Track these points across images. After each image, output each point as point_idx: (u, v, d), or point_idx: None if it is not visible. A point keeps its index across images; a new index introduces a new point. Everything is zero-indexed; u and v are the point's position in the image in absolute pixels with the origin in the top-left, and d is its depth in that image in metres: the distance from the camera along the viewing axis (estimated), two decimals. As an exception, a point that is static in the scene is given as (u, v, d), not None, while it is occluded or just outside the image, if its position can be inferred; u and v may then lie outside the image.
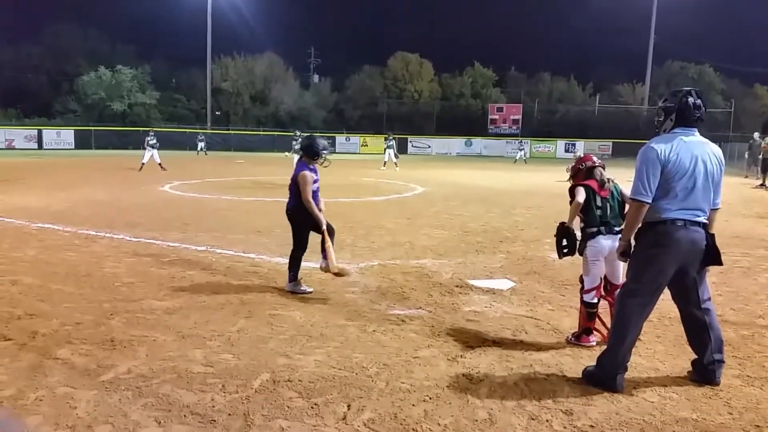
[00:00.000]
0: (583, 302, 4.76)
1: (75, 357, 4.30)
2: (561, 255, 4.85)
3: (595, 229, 4.67)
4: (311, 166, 6.16)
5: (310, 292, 6.02)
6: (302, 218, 6.14)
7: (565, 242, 4.80)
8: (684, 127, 3.84)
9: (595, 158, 4.98)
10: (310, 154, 6.19)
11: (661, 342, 4.86)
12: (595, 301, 4.73)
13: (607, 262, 4.71)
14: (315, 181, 6.10)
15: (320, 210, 6.14)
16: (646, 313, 3.93)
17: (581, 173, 4.93)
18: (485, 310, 5.67)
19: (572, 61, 74.32)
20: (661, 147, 3.77)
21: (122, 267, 7.12)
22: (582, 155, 5.21)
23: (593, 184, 4.78)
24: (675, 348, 4.68)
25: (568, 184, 5.04)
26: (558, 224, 4.92)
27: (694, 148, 3.79)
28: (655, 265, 3.79)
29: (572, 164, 5.04)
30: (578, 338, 4.76)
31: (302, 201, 6.01)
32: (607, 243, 4.63)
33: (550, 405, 3.68)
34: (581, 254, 4.73)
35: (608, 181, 4.83)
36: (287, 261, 6.28)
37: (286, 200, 6.26)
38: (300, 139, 18.23)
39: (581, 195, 4.72)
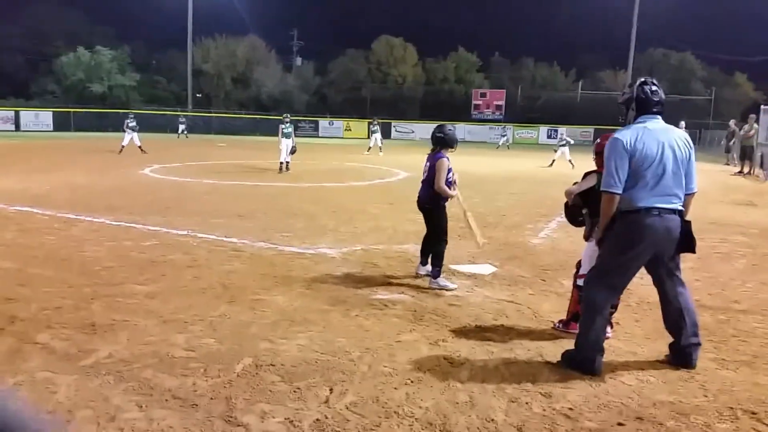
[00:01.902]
0: (576, 286, 4.74)
1: (55, 342, 4.26)
2: (576, 224, 4.81)
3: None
4: (448, 156, 6.04)
5: (454, 289, 5.86)
6: (440, 208, 6.04)
7: (578, 216, 4.72)
8: (646, 115, 3.89)
9: None
10: (450, 145, 6.07)
11: (639, 326, 4.94)
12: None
13: None
14: (450, 170, 5.98)
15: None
16: (613, 296, 4.04)
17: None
18: (467, 295, 5.71)
19: (555, 48, 74.37)
20: (626, 136, 3.82)
21: (102, 251, 7.05)
22: (610, 136, 4.75)
23: None
24: (653, 332, 4.76)
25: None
26: (564, 206, 4.87)
27: (659, 135, 3.84)
28: (626, 253, 3.85)
29: (598, 141, 4.67)
30: (567, 325, 4.75)
31: (436, 187, 5.88)
32: None
33: (529, 388, 3.73)
34: (587, 239, 4.66)
35: None
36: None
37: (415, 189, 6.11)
38: (289, 123, 18.16)
39: (588, 183, 4.55)
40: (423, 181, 6.15)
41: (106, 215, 9.47)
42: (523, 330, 4.78)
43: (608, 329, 4.69)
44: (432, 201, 6.05)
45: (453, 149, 6.15)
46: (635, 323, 5.01)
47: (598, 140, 4.65)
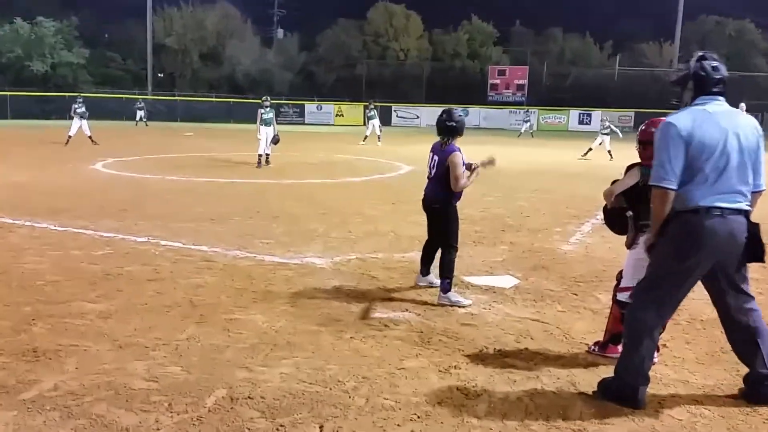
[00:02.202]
0: (616, 302, 4.72)
1: (-11, 371, 4.25)
2: (619, 231, 4.80)
3: (649, 222, 4.52)
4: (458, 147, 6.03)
5: (467, 305, 5.89)
6: (450, 209, 6.04)
7: (620, 221, 4.71)
8: (705, 96, 3.84)
9: None
10: (459, 132, 6.04)
11: (691, 349, 4.93)
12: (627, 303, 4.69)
13: None
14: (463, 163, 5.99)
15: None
16: (665, 312, 3.97)
17: (652, 147, 4.41)
18: (484, 313, 5.71)
19: (588, 16, 74.54)
20: (681, 121, 3.76)
21: (46, 262, 7.04)
22: (659, 121, 4.47)
23: None
24: (707, 357, 4.75)
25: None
26: (603, 211, 4.85)
27: (721, 120, 3.77)
28: (682, 262, 3.79)
29: (643, 127, 4.63)
30: (604, 348, 4.74)
31: (455, 188, 5.88)
32: None
33: (560, 425, 3.73)
34: (629, 247, 4.64)
35: None
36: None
37: (427, 189, 6.10)
38: (270, 108, 18.15)
39: (631, 179, 4.52)
40: (430, 178, 6.14)
41: (49, 219, 9.46)
42: (551, 354, 4.77)
43: (654, 353, 4.69)
44: (442, 200, 6.05)
45: (461, 136, 6.14)
46: (686, 345, 5.00)
47: (643, 126, 4.62)
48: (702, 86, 3.85)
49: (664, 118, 4.57)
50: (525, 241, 8.76)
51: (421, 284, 6.41)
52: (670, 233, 3.83)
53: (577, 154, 23.24)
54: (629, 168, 4.65)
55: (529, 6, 74.08)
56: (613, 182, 4.70)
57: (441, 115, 6.10)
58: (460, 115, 6.08)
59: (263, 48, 64.19)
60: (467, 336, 5.10)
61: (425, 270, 6.42)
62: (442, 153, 5.98)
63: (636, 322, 3.94)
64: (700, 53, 3.91)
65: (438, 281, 6.15)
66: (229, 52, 60.57)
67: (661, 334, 4.38)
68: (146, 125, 41.14)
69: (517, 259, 7.72)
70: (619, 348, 4.66)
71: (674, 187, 3.73)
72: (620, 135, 23.89)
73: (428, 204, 6.16)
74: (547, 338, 5.11)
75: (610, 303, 4.88)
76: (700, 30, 63.78)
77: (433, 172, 6.08)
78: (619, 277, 4.79)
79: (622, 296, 4.69)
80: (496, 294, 6.29)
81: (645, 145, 4.54)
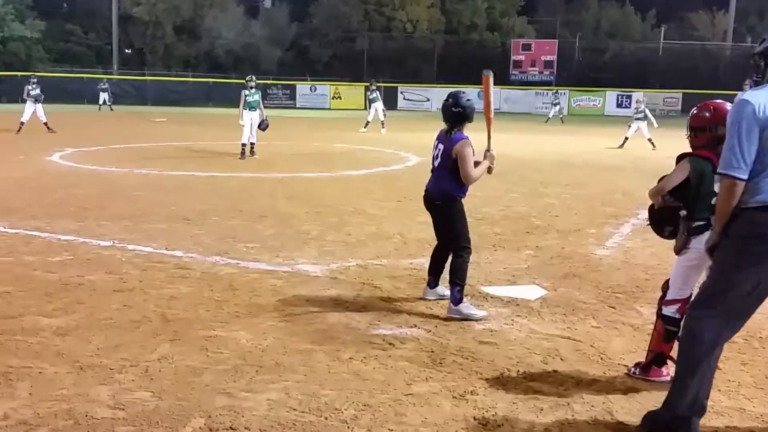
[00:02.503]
0: (661, 316, 4.72)
1: (-72, 397, 4.26)
2: (666, 235, 4.78)
3: (703, 223, 4.43)
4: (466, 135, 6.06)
5: (483, 318, 5.91)
6: (455, 204, 6.08)
7: (670, 222, 4.68)
8: None
9: None
10: (468, 118, 6.07)
11: (748, 371, 4.92)
12: (678, 317, 4.67)
13: None
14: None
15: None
16: (727, 332, 3.92)
17: (706, 136, 4.51)
18: (505, 329, 5.70)
19: (628, -20, 74.35)
20: (759, 100, 3.72)
21: (-6, 270, 7.06)
22: (713, 104, 4.56)
23: (714, 158, 4.35)
24: None
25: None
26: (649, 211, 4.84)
27: None
28: (751, 267, 3.75)
29: (695, 111, 4.62)
30: (647, 371, 4.73)
31: (463, 181, 5.93)
32: None
33: (594, 459, 3.72)
34: (678, 252, 4.61)
35: None
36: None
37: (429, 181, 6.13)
38: (255, 89, 18.16)
39: (681, 174, 4.49)
40: (433, 170, 6.18)
41: (-1, 220, 9.49)
42: (584, 378, 4.77)
43: (664, 369, 4.67)
44: (445, 196, 6.07)
45: (470, 122, 6.15)
46: (742, 367, 4.99)
47: (695, 110, 4.61)
48: None
49: (719, 101, 4.57)
50: (554, 245, 8.75)
51: (429, 297, 6.41)
52: (735, 234, 3.78)
53: (614, 142, 23.20)
54: (679, 159, 4.63)
55: (558, -31, 73.99)
56: (661, 179, 4.66)
57: (446, 100, 6.13)
58: (468, 100, 6.09)
59: (248, 19, 64.14)
60: (486, 356, 5.10)
61: (434, 281, 6.42)
62: (448, 142, 6.00)
63: (693, 341, 3.88)
64: None
65: (448, 292, 6.15)
66: (208, 24, 60.55)
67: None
68: (111, 109, 41.21)
69: (545, 266, 7.71)
70: (664, 371, 4.68)
71: (745, 176, 3.68)
72: (655, 123, 23.36)
73: (430, 200, 6.19)
74: (579, 359, 5.10)
75: (654, 318, 4.87)
76: (760, -3, 63.50)
77: (436, 163, 6.11)
78: (665, 287, 4.77)
79: (669, 310, 4.68)
80: (519, 307, 6.28)
81: (697, 132, 4.53)
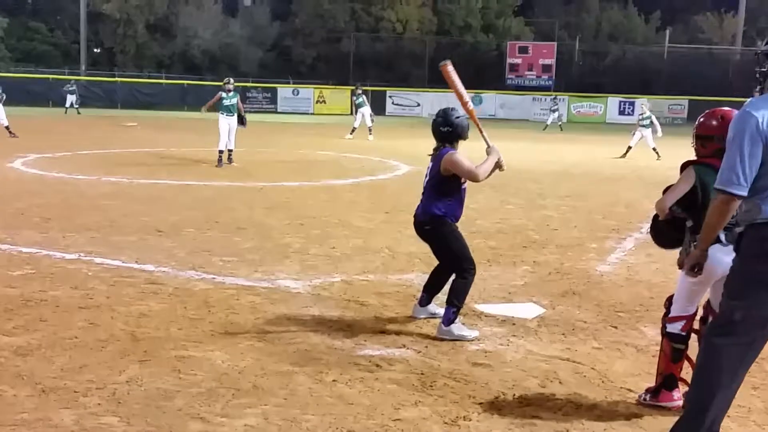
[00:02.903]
0: (666, 334, 4.72)
1: None
2: (667, 245, 4.80)
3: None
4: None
5: (475, 338, 5.92)
6: (444, 227, 6.06)
7: (675, 234, 4.70)
8: None
9: None
10: (462, 136, 6.09)
11: (758, 396, 4.94)
12: (684, 334, 4.68)
13: (718, 285, 4.56)
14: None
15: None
16: (747, 359, 3.88)
17: (714, 146, 4.49)
18: (500, 350, 5.70)
19: (631, -21, 74.90)
20: (763, 112, 3.75)
21: (-50, 284, 7.01)
22: (721, 112, 4.58)
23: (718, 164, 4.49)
24: (779, 405, 4.76)
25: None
26: (652, 220, 4.85)
27: None
28: (763, 288, 3.76)
29: (702, 119, 4.64)
30: (656, 394, 4.71)
31: (476, 180, 5.95)
32: (725, 259, 4.40)
33: (595, 490, 3.71)
34: (681, 267, 4.61)
35: None
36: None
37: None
38: (233, 92, 18.14)
39: (686, 184, 4.51)
40: (424, 190, 6.17)
41: (-45, 230, 9.42)
42: (584, 402, 4.76)
43: (675, 393, 4.66)
44: (433, 219, 6.04)
45: (464, 140, 6.16)
46: (752, 392, 5.00)
47: (702, 118, 4.63)
48: None
49: (727, 108, 4.59)
50: (552, 261, 8.76)
51: (419, 316, 6.40)
52: (747, 253, 3.76)
53: (616, 151, 23.31)
54: (684, 167, 4.64)
55: (557, -33, 74.45)
56: (666, 189, 4.68)
57: (436, 118, 6.16)
58: (458, 117, 6.07)
59: (226, 17, 64.27)
60: (480, 379, 5.09)
61: (427, 298, 6.41)
62: (436, 160, 6.03)
63: (711, 369, 3.83)
64: None
65: (440, 311, 6.16)
66: (183, 23, 60.64)
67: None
68: (78, 113, 41.11)
69: (543, 283, 7.72)
70: (675, 395, 4.66)
71: (744, 194, 3.68)
72: (659, 132, 23.39)
73: (419, 226, 6.19)
74: (579, 382, 5.10)
75: (659, 338, 4.87)
76: (771, -2, 64.09)
77: (425, 183, 6.15)
78: (669, 304, 4.78)
79: (673, 327, 4.68)
80: (516, 326, 6.28)
81: (704, 140, 4.56)
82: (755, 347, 3.85)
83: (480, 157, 6.01)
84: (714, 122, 4.53)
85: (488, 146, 6.10)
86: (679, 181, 4.60)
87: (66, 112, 41.06)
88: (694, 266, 4.00)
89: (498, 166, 6.07)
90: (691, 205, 4.51)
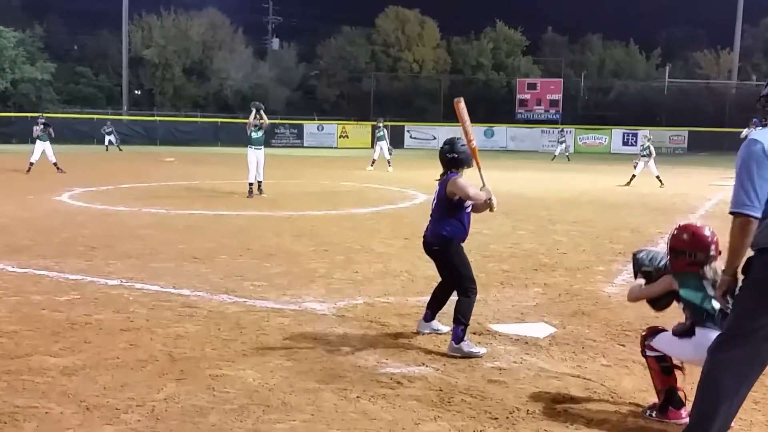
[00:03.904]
0: (648, 358, 4.73)
1: (-67, 438, 4.24)
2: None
3: (701, 323, 4.40)
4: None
5: (483, 355, 5.94)
6: (452, 247, 6.14)
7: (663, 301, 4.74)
8: None
9: (716, 238, 4.45)
10: (464, 163, 6.21)
11: (760, 410, 4.86)
12: (662, 355, 4.66)
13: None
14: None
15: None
16: (751, 377, 3.82)
17: (684, 261, 4.50)
18: (514, 367, 5.66)
19: (632, 20, 75.00)
20: (766, 137, 3.77)
21: (1, 309, 7.05)
22: (692, 228, 4.60)
23: (697, 270, 4.42)
24: (780, 418, 4.68)
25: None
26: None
27: None
28: None
29: (675, 232, 4.59)
30: (664, 411, 4.64)
31: (474, 201, 6.07)
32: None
33: (606, 500, 3.66)
34: (682, 333, 4.55)
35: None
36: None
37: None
38: (260, 128, 18.17)
39: (660, 287, 4.59)
40: (432, 213, 6.29)
41: (6, 259, 9.49)
42: (595, 417, 4.71)
43: (683, 411, 4.60)
44: (441, 240, 6.14)
45: (469, 167, 6.28)
46: (754, 406, 4.92)
47: (675, 231, 4.59)
48: None
49: (698, 225, 4.66)
50: (562, 282, 8.71)
51: (424, 331, 6.45)
52: (755, 276, 3.72)
53: (621, 179, 23.21)
54: (659, 274, 4.68)
55: (562, 10, 74.67)
56: (638, 273, 4.80)
57: (443, 146, 6.34)
58: (463, 145, 6.25)
59: (256, 60, 64.97)
60: (495, 395, 5.05)
61: (431, 315, 6.48)
62: (441, 184, 6.17)
63: (713, 388, 3.79)
64: None
65: (443, 328, 6.28)
66: (217, 66, 61.33)
67: None
68: (120, 150, 41.52)
69: (553, 304, 7.67)
70: (683, 413, 4.56)
71: (758, 214, 3.69)
72: (651, 158, 22.69)
73: (428, 246, 6.29)
74: (589, 398, 5.06)
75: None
76: (764, 36, 64.02)
77: (433, 206, 6.27)
78: (648, 335, 4.76)
79: (652, 353, 4.68)
80: (528, 345, 6.24)
81: (676, 254, 4.52)
82: (757, 365, 3.81)
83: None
84: (685, 237, 4.51)
85: (483, 185, 6.20)
86: (656, 283, 4.67)
87: (107, 150, 41.43)
88: (725, 292, 3.93)
89: (488, 205, 6.15)
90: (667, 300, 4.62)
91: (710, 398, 3.81)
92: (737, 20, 56.32)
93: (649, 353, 4.71)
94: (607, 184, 23.28)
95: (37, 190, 18.73)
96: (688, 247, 4.44)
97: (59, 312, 6.98)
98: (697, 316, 4.33)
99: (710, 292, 4.26)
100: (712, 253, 4.39)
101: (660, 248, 4.94)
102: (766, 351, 3.79)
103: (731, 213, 3.79)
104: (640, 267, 4.87)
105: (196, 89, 61.79)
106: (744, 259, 3.85)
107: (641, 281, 4.81)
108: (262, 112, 18.07)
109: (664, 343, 4.63)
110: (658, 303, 4.77)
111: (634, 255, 4.98)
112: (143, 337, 6.22)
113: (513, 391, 5.15)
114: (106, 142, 42.27)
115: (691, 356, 4.40)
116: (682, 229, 4.55)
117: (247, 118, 18.87)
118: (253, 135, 17.95)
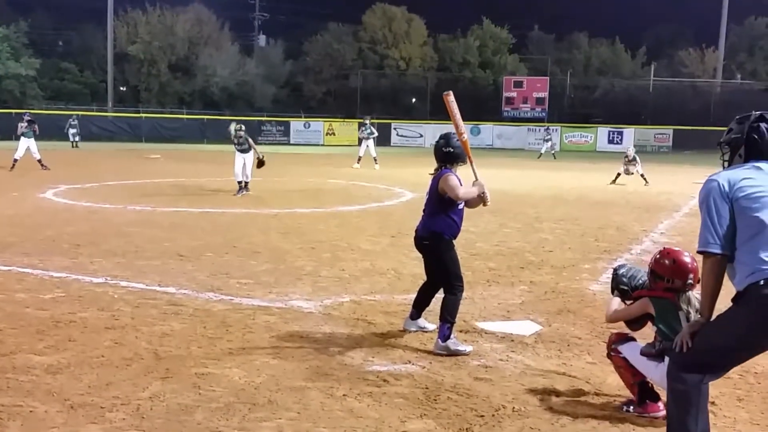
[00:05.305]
0: (613, 357, 4.83)
1: None
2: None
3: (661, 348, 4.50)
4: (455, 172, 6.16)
5: (469, 353, 5.94)
6: (443, 243, 6.12)
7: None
8: (759, 160, 3.88)
9: (695, 266, 4.50)
10: (461, 159, 6.20)
11: (743, 407, 4.90)
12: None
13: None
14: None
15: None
16: (713, 376, 3.91)
17: (663, 283, 4.58)
18: (500, 365, 5.67)
19: (618, 19, 75.33)
20: (723, 176, 3.84)
21: (-15, 307, 7.02)
22: (674, 255, 4.64)
23: (673, 298, 4.52)
24: (763, 416, 4.72)
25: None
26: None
27: None
28: (751, 343, 3.72)
29: (657, 256, 4.67)
30: (642, 406, 4.68)
31: (458, 200, 6.03)
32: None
33: (591, 497, 3.68)
34: (649, 355, 4.63)
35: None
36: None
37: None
38: (243, 138, 18.03)
39: (637, 309, 4.66)
40: (425, 207, 6.28)
41: (-9, 257, 9.45)
42: (581, 413, 4.73)
43: (707, 412, 4.63)
44: (432, 235, 6.13)
45: (463, 163, 6.25)
46: (738, 403, 4.97)
47: (657, 255, 4.68)
48: (757, 152, 3.90)
49: (679, 251, 4.68)
50: (548, 280, 8.74)
51: (410, 329, 6.46)
52: (747, 311, 3.71)
53: (607, 178, 23.30)
54: (635, 295, 4.76)
55: (549, 8, 74.85)
56: (614, 289, 4.89)
57: (438, 140, 6.32)
58: (458, 140, 6.21)
59: (242, 57, 64.78)
60: (481, 393, 5.06)
61: (417, 313, 6.49)
62: (434, 179, 6.15)
63: (679, 394, 3.87)
64: (756, 114, 3.93)
65: (430, 326, 6.30)
66: (203, 62, 61.11)
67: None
68: (76, 146, 41.11)
69: (539, 302, 7.70)
70: (660, 405, 4.64)
71: (719, 251, 3.75)
72: (638, 164, 22.64)
73: (418, 240, 6.27)
74: (575, 395, 5.08)
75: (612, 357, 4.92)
76: (748, 34, 64.45)
77: (425, 201, 6.25)
78: (619, 336, 4.85)
79: (615, 353, 4.80)
80: (514, 342, 6.26)
81: (655, 278, 4.62)
82: (721, 370, 3.97)
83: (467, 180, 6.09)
84: (666, 262, 4.60)
85: (476, 179, 6.20)
86: (633, 306, 4.74)
87: (72, 147, 41.02)
88: (693, 334, 3.95)
89: (482, 199, 6.17)
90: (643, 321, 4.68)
91: (681, 406, 3.86)
92: (722, 19, 56.66)
93: (614, 354, 4.80)
94: (593, 182, 23.38)
95: (21, 187, 18.62)
96: (668, 273, 4.55)
97: (44, 310, 6.94)
98: (669, 345, 4.36)
99: (683, 324, 4.30)
100: (690, 281, 4.50)
101: (644, 260, 4.99)
102: (732, 365, 3.96)
103: (698, 252, 3.88)
104: (618, 284, 4.96)
105: (182, 86, 61.55)
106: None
107: (617, 299, 4.93)
108: (250, 140, 17.93)
109: (631, 353, 4.72)
110: (634, 324, 4.86)
111: (615, 270, 5.08)
112: (128, 336, 6.20)
113: (499, 388, 5.16)
114: (71, 139, 41.95)
115: (657, 379, 4.52)
116: (665, 254, 4.64)
117: (233, 115, 18.76)
118: (236, 147, 17.80)
